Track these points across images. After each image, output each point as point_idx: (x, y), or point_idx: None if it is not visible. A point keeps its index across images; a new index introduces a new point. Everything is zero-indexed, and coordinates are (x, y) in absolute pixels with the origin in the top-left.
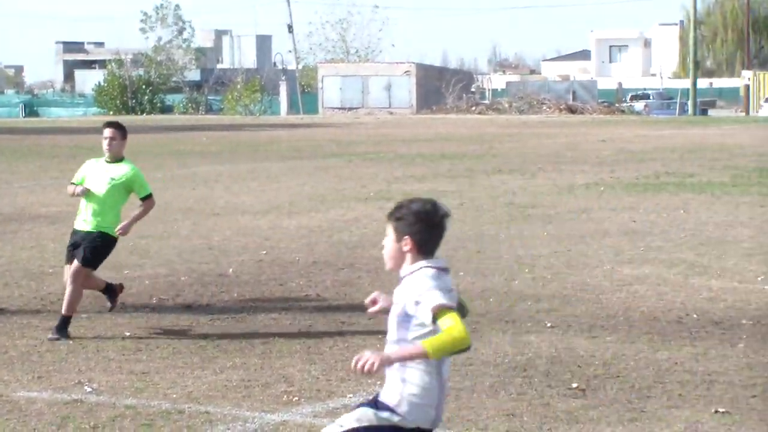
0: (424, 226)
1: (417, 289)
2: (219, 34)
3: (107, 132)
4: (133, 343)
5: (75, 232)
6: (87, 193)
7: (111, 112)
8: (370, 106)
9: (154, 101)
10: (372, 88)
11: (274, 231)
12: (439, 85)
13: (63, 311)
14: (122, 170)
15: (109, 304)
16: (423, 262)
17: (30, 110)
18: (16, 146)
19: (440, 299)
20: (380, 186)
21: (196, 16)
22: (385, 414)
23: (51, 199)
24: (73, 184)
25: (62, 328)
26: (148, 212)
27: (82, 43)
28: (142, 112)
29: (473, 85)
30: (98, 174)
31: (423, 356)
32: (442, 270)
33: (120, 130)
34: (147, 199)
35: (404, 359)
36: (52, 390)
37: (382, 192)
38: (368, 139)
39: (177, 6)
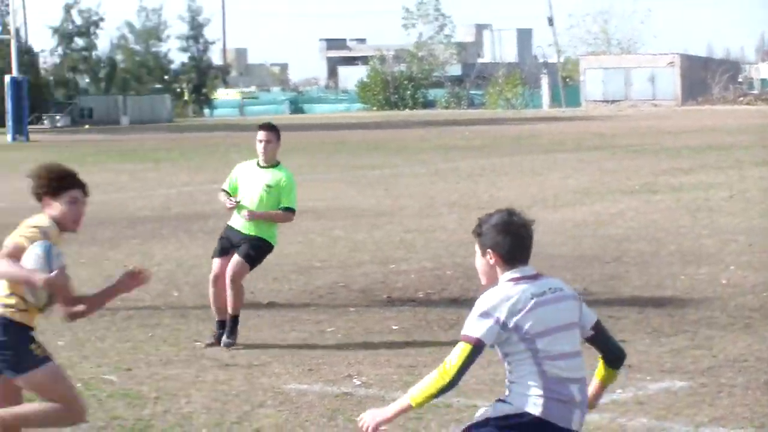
0: (504, 237)
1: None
2: (480, 28)
3: (262, 135)
4: (401, 337)
5: (231, 229)
6: (239, 206)
7: (374, 108)
8: (633, 99)
9: (416, 96)
10: (635, 80)
11: (538, 225)
12: (705, 76)
13: (230, 311)
14: (277, 177)
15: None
16: (508, 274)
17: (295, 107)
18: (283, 142)
19: (465, 329)
20: (646, 178)
21: (456, 10)
22: (497, 405)
23: (317, 194)
24: (224, 191)
25: (234, 329)
26: (282, 221)
27: (345, 40)
28: (404, 108)
29: (740, 75)
30: (253, 180)
31: (408, 408)
32: (527, 278)
33: (275, 132)
34: (287, 211)
35: (397, 414)
36: (323, 383)
37: (648, 185)
38: (632, 132)
39: (437, 0)
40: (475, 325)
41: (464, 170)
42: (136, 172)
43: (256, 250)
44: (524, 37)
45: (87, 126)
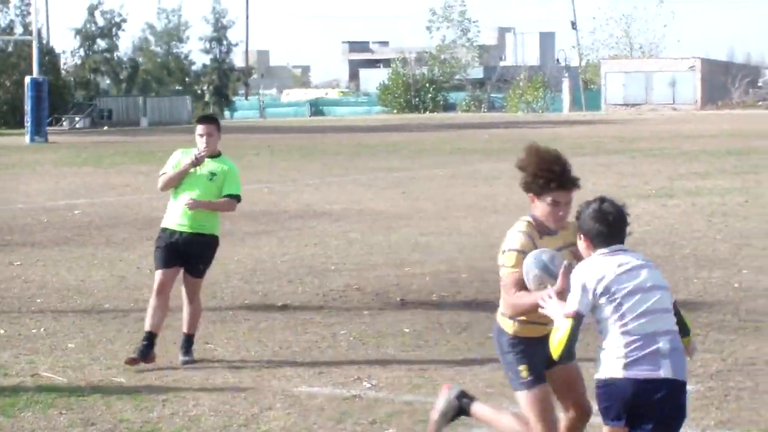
0: (594, 223)
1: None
2: (502, 31)
3: (202, 128)
4: (413, 340)
5: (170, 233)
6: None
7: (394, 111)
8: (654, 102)
9: (437, 99)
10: (656, 84)
11: None
12: (725, 80)
13: (186, 330)
14: (221, 166)
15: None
16: (599, 251)
17: (316, 109)
18: (303, 145)
19: (567, 306)
20: (663, 183)
21: (479, 13)
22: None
23: (335, 197)
24: (164, 173)
25: (190, 347)
26: (225, 210)
27: (367, 43)
28: (425, 110)
29: (760, 80)
30: (197, 168)
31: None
32: (615, 251)
33: (215, 124)
34: (232, 198)
35: None
36: (333, 386)
37: (665, 189)
38: (651, 135)
39: (462, 3)
40: (573, 301)
41: (482, 173)
42: (153, 173)
43: (204, 259)
44: (547, 40)
45: (106, 127)
